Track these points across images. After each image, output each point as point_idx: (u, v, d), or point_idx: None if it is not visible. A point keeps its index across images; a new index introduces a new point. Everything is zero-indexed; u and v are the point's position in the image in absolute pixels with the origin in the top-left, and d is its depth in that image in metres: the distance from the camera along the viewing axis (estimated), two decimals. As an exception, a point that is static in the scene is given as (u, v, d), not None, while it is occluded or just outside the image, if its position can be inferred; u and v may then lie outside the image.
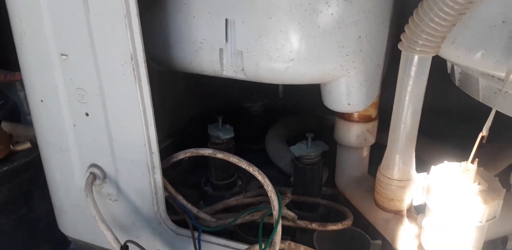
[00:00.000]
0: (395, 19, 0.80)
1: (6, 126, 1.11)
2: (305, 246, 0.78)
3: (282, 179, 1.06)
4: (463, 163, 0.65)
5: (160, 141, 0.78)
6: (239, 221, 0.83)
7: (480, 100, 0.70)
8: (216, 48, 0.77)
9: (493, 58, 0.59)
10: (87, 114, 0.76)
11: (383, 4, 0.75)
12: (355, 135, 0.90)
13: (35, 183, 1.06)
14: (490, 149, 0.99)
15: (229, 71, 0.79)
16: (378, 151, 0.87)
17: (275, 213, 0.74)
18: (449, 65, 0.79)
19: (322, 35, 0.72)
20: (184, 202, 0.86)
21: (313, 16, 0.70)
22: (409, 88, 0.71)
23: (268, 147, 1.15)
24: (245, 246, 0.77)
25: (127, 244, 0.70)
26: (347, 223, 0.86)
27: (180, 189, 0.87)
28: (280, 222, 0.73)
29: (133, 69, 0.68)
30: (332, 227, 0.85)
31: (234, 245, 0.80)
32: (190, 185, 1.07)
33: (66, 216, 0.93)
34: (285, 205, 0.88)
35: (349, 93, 0.80)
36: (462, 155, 0.66)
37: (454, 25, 0.63)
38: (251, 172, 0.76)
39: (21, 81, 1.20)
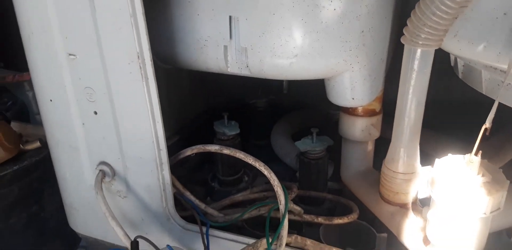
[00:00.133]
0: (397, 13, 0.80)
1: (15, 126, 1.13)
2: (312, 240, 0.78)
3: (288, 174, 1.07)
4: (467, 155, 0.66)
5: (167, 138, 0.79)
6: (246, 216, 0.84)
7: (484, 93, 0.70)
8: (220, 45, 0.78)
9: (495, 51, 0.60)
10: (95, 112, 0.78)
11: (386, -1, 0.75)
12: (360, 129, 0.91)
13: (45, 181, 1.07)
14: (494, 141, 1.00)
15: (234, 68, 0.80)
16: (382, 144, 0.88)
17: (282, 207, 0.75)
18: (452, 58, 0.79)
19: (325, 31, 0.73)
20: (192, 198, 0.87)
21: (316, 12, 0.71)
22: (412, 82, 0.71)
23: (274, 143, 1.16)
24: (253, 240, 0.77)
25: (137, 239, 0.71)
26: (353, 217, 0.86)
27: (188, 185, 0.88)
28: (287, 216, 0.74)
29: (140, 67, 0.69)
30: (338, 221, 0.86)
31: (241, 239, 0.81)
32: (197, 181, 1.08)
33: (76, 213, 0.94)
34: (291, 200, 0.88)
35: (353, 87, 0.81)
36: (466, 147, 0.67)
37: (456, 18, 0.63)
38: (257, 167, 0.77)
39: (29, 82, 1.22)
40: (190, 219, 0.84)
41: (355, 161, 0.96)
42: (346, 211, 0.89)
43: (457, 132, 1.00)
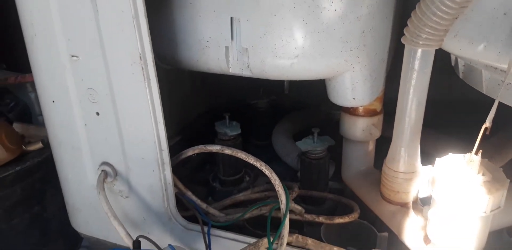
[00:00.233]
0: (398, 13, 0.80)
1: (18, 127, 1.13)
2: (313, 239, 0.78)
3: (289, 174, 1.07)
4: (467, 155, 0.66)
5: (169, 138, 0.79)
6: (248, 215, 0.85)
7: (484, 92, 0.70)
8: (222, 46, 0.78)
9: (496, 50, 0.60)
10: (97, 113, 0.78)
11: (386, -1, 0.76)
12: (361, 129, 0.91)
13: (47, 182, 1.07)
14: (495, 140, 1.00)
15: (235, 68, 0.80)
16: (383, 144, 0.88)
17: (283, 207, 0.75)
18: (453, 57, 0.79)
19: (326, 31, 0.73)
20: (193, 198, 0.87)
21: (316, 12, 0.71)
22: (413, 82, 0.71)
23: (275, 143, 1.16)
24: (254, 240, 0.78)
25: (139, 239, 0.72)
26: (354, 216, 0.87)
27: (189, 185, 0.89)
28: (288, 215, 0.74)
29: (142, 68, 0.70)
30: (339, 220, 0.86)
31: (243, 239, 0.81)
32: (199, 181, 1.09)
33: (78, 213, 0.95)
34: (293, 199, 0.89)
35: (354, 88, 0.81)
36: (467, 147, 0.67)
37: (456, 18, 0.63)
38: (258, 167, 0.77)
39: (31, 83, 1.22)
40: (191, 218, 0.85)
41: (356, 160, 0.97)
42: (347, 211, 0.89)
43: (457, 131, 1.01)
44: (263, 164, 0.77)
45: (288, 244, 0.76)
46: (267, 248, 0.73)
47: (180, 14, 0.79)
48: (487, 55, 0.62)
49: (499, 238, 0.85)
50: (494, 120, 0.60)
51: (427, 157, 0.81)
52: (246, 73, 0.80)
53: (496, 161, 0.94)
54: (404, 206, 0.84)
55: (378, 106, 0.90)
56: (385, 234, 0.83)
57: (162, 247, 0.71)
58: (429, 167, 0.80)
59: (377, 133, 0.93)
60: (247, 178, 1.08)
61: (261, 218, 0.85)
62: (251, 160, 0.78)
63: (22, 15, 0.75)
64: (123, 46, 0.69)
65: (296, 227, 0.86)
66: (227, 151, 0.81)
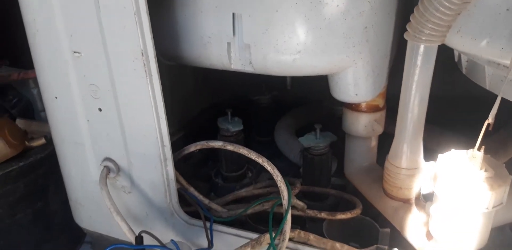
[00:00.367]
0: (401, 9, 0.80)
1: (20, 123, 1.14)
2: (315, 235, 0.79)
3: (292, 170, 1.07)
4: (470, 151, 0.66)
5: (171, 134, 0.79)
6: (250, 211, 0.85)
7: (487, 88, 0.70)
8: (224, 42, 0.78)
9: (498, 46, 0.60)
10: (100, 109, 0.78)
11: (389, -5, 0.75)
12: (363, 125, 0.91)
13: (50, 177, 1.08)
14: (497, 136, 1.00)
15: (237, 64, 0.80)
16: (386, 140, 0.88)
17: (285, 202, 0.75)
18: (456, 53, 0.79)
19: (329, 27, 0.73)
20: (195, 193, 0.87)
21: (319, 8, 0.71)
22: (415, 78, 0.71)
23: (277, 139, 1.16)
24: (256, 235, 0.78)
25: (142, 234, 0.72)
26: (356, 212, 0.87)
27: (192, 181, 0.89)
28: (290, 211, 0.74)
29: (144, 64, 0.70)
30: (341, 216, 0.86)
31: (245, 234, 0.81)
32: (201, 177, 1.09)
33: (81, 209, 0.95)
34: (295, 195, 0.89)
35: (356, 83, 0.81)
36: (469, 143, 0.67)
37: (459, 14, 0.63)
38: (260, 163, 0.77)
39: (34, 79, 1.22)
40: (194, 214, 0.85)
41: (358, 156, 0.97)
42: (349, 206, 0.90)
43: (460, 127, 1.01)
44: (265, 159, 0.77)
45: (290, 239, 0.76)
46: (269, 243, 0.73)
47: (182, 10, 0.79)
48: (490, 51, 0.61)
49: (501, 234, 0.85)
50: (497, 116, 0.60)
51: (430, 153, 0.81)
52: (248, 69, 0.80)
53: (499, 157, 0.94)
54: (406, 202, 0.84)
55: (380, 102, 0.90)
56: (387, 230, 0.83)
57: (164, 242, 0.71)
58: (431, 163, 0.80)
59: (379, 129, 0.93)
60: (250, 174, 1.09)
61: (263, 213, 0.85)
62: (253, 155, 0.78)
63: (24, 12, 0.75)
64: (125, 42, 0.69)
65: (298, 222, 0.86)
66: (230, 147, 0.81)
